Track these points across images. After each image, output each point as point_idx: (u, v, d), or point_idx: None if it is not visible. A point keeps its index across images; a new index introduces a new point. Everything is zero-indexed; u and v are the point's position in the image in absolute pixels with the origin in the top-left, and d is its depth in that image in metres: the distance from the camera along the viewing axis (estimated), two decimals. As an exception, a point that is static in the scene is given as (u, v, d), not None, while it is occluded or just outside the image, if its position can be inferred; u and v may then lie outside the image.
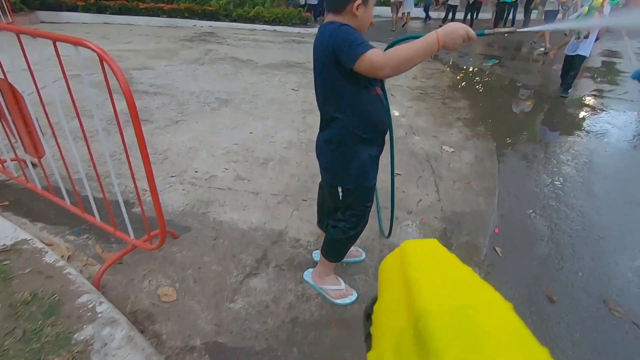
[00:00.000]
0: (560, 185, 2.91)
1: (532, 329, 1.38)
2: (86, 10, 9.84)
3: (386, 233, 2.14)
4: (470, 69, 7.11)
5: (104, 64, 1.32)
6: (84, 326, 1.35)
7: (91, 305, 1.44)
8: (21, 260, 1.67)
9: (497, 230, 2.34)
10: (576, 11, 5.41)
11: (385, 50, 1.39)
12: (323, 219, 1.83)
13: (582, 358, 1.57)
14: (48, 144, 1.99)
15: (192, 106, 4.13)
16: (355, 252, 2.02)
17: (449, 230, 2.31)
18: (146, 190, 2.37)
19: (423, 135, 3.62)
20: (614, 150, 3.63)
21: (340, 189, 1.53)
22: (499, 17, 12.31)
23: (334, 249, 1.70)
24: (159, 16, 10.21)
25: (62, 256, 1.86)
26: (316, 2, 12.67)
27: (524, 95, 5.52)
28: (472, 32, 1.21)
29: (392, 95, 4.81)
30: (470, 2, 11.44)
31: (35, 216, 2.21)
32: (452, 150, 3.39)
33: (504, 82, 6.18)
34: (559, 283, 1.95)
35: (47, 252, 1.71)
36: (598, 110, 4.81)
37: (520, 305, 1.80)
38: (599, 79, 6.36)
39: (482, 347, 0.32)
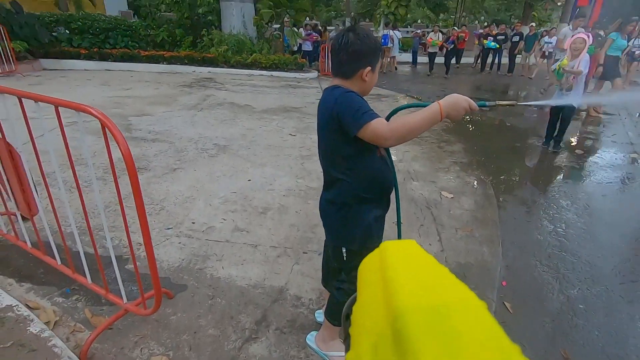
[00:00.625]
0: (563, 232, 2.88)
1: None
2: (89, 58, 10.19)
3: None
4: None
5: (106, 130, 1.31)
6: (68, 411, 1.23)
7: (77, 384, 1.32)
8: (3, 331, 1.55)
9: (504, 283, 2.27)
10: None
11: (387, 117, 1.42)
12: (328, 278, 1.75)
13: None
14: (40, 196, 1.93)
15: (190, 153, 4.14)
16: None
17: (455, 284, 2.23)
18: (141, 245, 2.29)
19: (421, 181, 3.63)
20: (610, 192, 3.65)
21: (344, 250, 1.48)
22: (483, 62, 12.94)
23: (338, 312, 1.61)
24: (159, 63, 10.58)
25: (48, 322, 1.74)
26: (311, 49, 13.30)
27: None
28: (473, 103, 1.25)
29: (388, 139, 4.89)
30: (449, 48, 11.81)
31: (23, 276, 2.11)
32: (452, 196, 3.38)
33: (495, 124, 6.35)
34: (574, 343, 1.86)
35: (32, 320, 1.60)
36: (590, 153, 4.91)
37: (537, 370, 1.70)
38: (586, 122, 6.56)
39: (459, 344, 0.33)
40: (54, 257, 1.95)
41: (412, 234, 2.74)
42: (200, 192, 3.23)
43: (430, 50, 11.93)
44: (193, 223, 2.75)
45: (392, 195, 1.55)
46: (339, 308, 1.57)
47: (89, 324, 1.80)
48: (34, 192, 1.85)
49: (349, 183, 1.37)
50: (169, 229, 2.66)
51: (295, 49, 13.20)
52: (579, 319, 2.01)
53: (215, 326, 1.83)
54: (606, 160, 4.65)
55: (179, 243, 2.50)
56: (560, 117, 4.67)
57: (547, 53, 10.65)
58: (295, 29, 12.05)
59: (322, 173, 1.49)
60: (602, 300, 2.16)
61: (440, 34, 12.12)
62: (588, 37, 4.49)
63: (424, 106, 1.28)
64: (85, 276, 1.82)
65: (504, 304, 2.09)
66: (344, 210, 1.41)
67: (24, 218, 2.13)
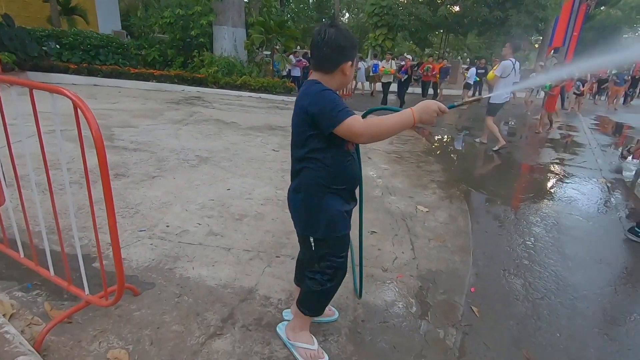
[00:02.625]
0: (532, 245, 2.96)
1: None
2: (77, 72, 10.23)
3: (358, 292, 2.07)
4: (444, 138, 7.57)
5: (78, 112, 1.34)
6: (13, 394, 1.18)
7: (26, 369, 1.27)
8: (-47, 318, 1.49)
9: (473, 290, 2.30)
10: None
11: (363, 115, 1.51)
12: (299, 273, 1.76)
13: None
14: (12, 197, 1.91)
15: (171, 162, 4.15)
16: (329, 311, 1.91)
17: (424, 289, 2.26)
18: (110, 246, 2.25)
19: (399, 195, 3.70)
20: (579, 212, 3.78)
21: (312, 239, 1.51)
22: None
23: (310, 301, 1.62)
24: (148, 81, 10.69)
25: (4, 315, 1.68)
26: (299, 75, 13.70)
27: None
28: (443, 106, 1.35)
29: (369, 157, 5.01)
30: (402, 80, 11.06)
31: (-18, 270, 2.04)
32: (427, 210, 3.46)
33: (474, 149, 6.57)
34: (538, 345, 1.88)
35: (-14, 309, 1.55)
36: (561, 177, 5.11)
37: (500, 369, 1.71)
38: (560, 150, 6.86)
39: None
40: (17, 251, 1.90)
41: (386, 243, 2.77)
42: (177, 198, 3.22)
43: (383, 80, 11.13)
44: (167, 226, 2.72)
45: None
46: (311, 297, 1.60)
47: (48, 317, 1.74)
48: (2, 181, 1.84)
49: (313, 171, 1.42)
50: (142, 230, 2.63)
51: (285, 73, 13.57)
52: (542, 322, 2.05)
53: (179, 322, 1.80)
54: (576, 182, 4.85)
55: (151, 244, 2.47)
56: None
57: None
58: (285, 56, 12.44)
59: (290, 164, 1.54)
60: (566, 307, 2.21)
61: (392, 62, 11.54)
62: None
63: (396, 110, 1.40)
64: (48, 269, 1.78)
65: (472, 308, 2.12)
66: (309, 198, 1.46)
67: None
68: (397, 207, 3.41)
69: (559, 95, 8.31)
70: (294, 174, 1.51)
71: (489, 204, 3.95)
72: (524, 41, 24.78)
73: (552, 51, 21.22)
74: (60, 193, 2.88)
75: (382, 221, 3.11)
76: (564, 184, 4.78)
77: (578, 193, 4.43)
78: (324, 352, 1.67)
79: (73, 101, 1.33)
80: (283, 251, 2.53)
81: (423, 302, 2.14)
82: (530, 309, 2.16)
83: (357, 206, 1.69)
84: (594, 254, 2.90)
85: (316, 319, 1.80)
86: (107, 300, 1.64)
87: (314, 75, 1.43)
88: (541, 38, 20.48)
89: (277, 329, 1.76)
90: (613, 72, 15.90)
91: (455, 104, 1.54)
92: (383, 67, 11.37)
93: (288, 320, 1.79)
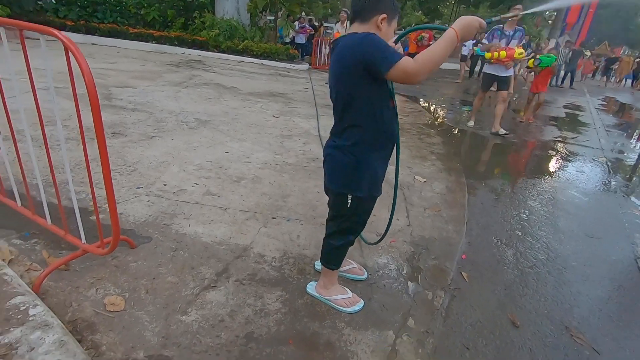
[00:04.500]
0: (526, 218, 2.99)
1: (496, 353, 1.35)
2: (75, 30, 9.93)
3: (368, 241, 2.16)
4: (446, 112, 7.46)
5: (70, 55, 1.30)
6: (11, 329, 1.22)
7: (24, 307, 1.31)
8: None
9: (464, 257, 2.35)
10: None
11: (396, 40, 1.53)
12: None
13: (543, 383, 1.53)
14: (9, 150, 1.89)
15: (170, 124, 4.11)
16: (359, 270, 2.00)
17: (416, 254, 2.30)
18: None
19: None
20: (576, 189, 3.79)
21: (350, 197, 1.53)
22: (472, 68, 13.18)
23: (335, 256, 1.72)
24: (148, 42, 10.40)
25: (3, 259, 1.71)
26: (304, 42, 13.30)
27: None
28: (483, 22, 1.32)
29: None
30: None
31: (-20, 218, 2.06)
32: (425, 180, 3.46)
33: (475, 124, 6.48)
34: (522, 309, 1.94)
35: (-16, 252, 1.58)
36: (562, 154, 5.08)
37: (484, 329, 1.76)
38: (564, 128, 6.78)
39: None
40: (14, 200, 1.92)
41: (382, 210, 2.78)
42: (175, 159, 3.21)
43: None
44: (165, 185, 2.73)
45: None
46: (337, 252, 1.68)
47: (46, 265, 1.78)
48: (-3, 129, 1.82)
49: (364, 129, 1.43)
50: (139, 187, 2.64)
51: (289, 40, 13.18)
52: (529, 289, 2.10)
53: (174, 274, 1.84)
54: (576, 160, 4.83)
55: (148, 201, 2.48)
56: None
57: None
58: (289, 21, 12.03)
59: (334, 121, 1.53)
60: (553, 276, 2.26)
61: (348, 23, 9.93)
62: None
63: (439, 29, 1.44)
64: (45, 218, 1.80)
65: (461, 274, 2.17)
66: (355, 156, 1.46)
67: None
68: (395, 177, 3.41)
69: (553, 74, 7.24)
70: (341, 131, 1.49)
71: (487, 177, 3.94)
72: (537, 17, 23.92)
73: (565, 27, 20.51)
74: (58, 149, 2.86)
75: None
76: (564, 162, 4.76)
77: (577, 171, 4.42)
78: (358, 297, 1.79)
79: (64, 43, 1.29)
80: (279, 213, 2.55)
81: (414, 266, 2.18)
82: (518, 277, 2.21)
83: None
84: (586, 229, 2.94)
85: (347, 274, 1.94)
86: (104, 249, 1.66)
87: (352, 28, 1.42)
88: (555, 13, 19.71)
89: (308, 289, 1.83)
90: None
91: (493, 19, 1.56)
92: (338, 32, 10.60)
93: (314, 281, 1.86)
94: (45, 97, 1.54)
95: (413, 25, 19.23)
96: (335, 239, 1.65)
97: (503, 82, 5.38)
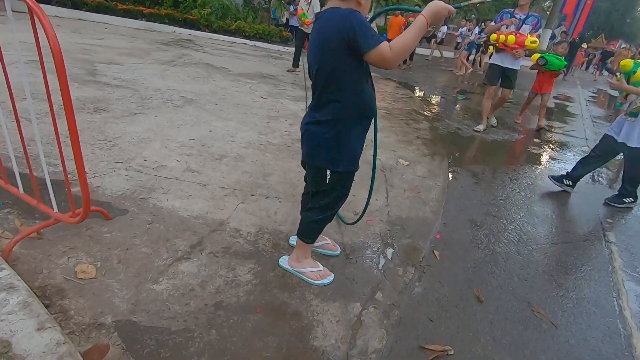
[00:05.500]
0: (502, 201, 3.05)
1: (458, 324, 1.40)
2: (61, 4, 9.64)
3: (346, 220, 2.20)
4: (438, 99, 7.46)
5: (35, 18, 1.28)
6: (-24, 290, 1.24)
7: (-10, 271, 1.33)
8: None
9: (438, 236, 2.40)
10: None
11: (371, 19, 1.59)
12: (304, 206, 1.85)
13: (499, 352, 1.59)
14: None
15: (155, 101, 4.06)
16: (333, 246, 2.04)
17: (391, 232, 2.34)
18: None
19: (382, 149, 3.71)
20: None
21: (328, 172, 1.55)
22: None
23: (311, 230, 1.76)
24: (137, 19, 10.15)
25: (-26, 227, 1.72)
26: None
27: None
28: (451, 8, 1.35)
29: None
30: None
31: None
32: (407, 164, 3.49)
33: (467, 112, 6.52)
34: (489, 285, 2.00)
35: (-46, 218, 1.57)
36: (547, 143, 5.14)
37: (449, 303, 1.82)
38: (552, 117, 6.84)
39: None
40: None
41: (362, 190, 2.81)
42: (157, 136, 3.19)
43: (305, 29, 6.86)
44: (145, 160, 2.73)
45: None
46: (314, 226, 1.71)
47: (18, 232, 1.79)
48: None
49: (343, 104, 1.43)
50: (118, 162, 2.63)
51: (282, 22, 12.95)
52: (497, 268, 2.17)
53: (148, 246, 1.86)
54: (559, 150, 4.90)
55: (127, 175, 2.48)
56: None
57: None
58: (284, 2, 11.80)
59: (312, 97, 1.53)
60: (523, 256, 2.33)
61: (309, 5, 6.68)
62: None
63: (411, 10, 1.61)
64: (17, 188, 1.80)
65: (434, 252, 2.22)
66: (334, 131, 1.47)
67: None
68: (379, 160, 3.43)
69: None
70: (321, 105, 1.48)
71: (470, 162, 3.99)
72: (536, 7, 23.74)
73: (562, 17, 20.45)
74: (38, 121, 2.82)
75: (361, 170, 3.04)
76: (547, 149, 4.83)
77: (559, 159, 4.48)
78: (327, 270, 1.83)
79: (28, 5, 1.26)
80: (259, 190, 2.57)
81: (388, 243, 2.22)
82: (488, 256, 2.27)
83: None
84: (561, 213, 3.01)
85: (320, 250, 1.98)
86: (75, 218, 1.67)
87: (331, 3, 1.40)
88: (552, 3, 19.58)
89: (280, 262, 1.87)
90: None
91: (462, 4, 1.61)
92: (302, 9, 7.97)
93: (286, 255, 1.90)
94: (30, 72, 1.52)
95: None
96: (314, 213, 1.69)
97: (508, 78, 4.74)
